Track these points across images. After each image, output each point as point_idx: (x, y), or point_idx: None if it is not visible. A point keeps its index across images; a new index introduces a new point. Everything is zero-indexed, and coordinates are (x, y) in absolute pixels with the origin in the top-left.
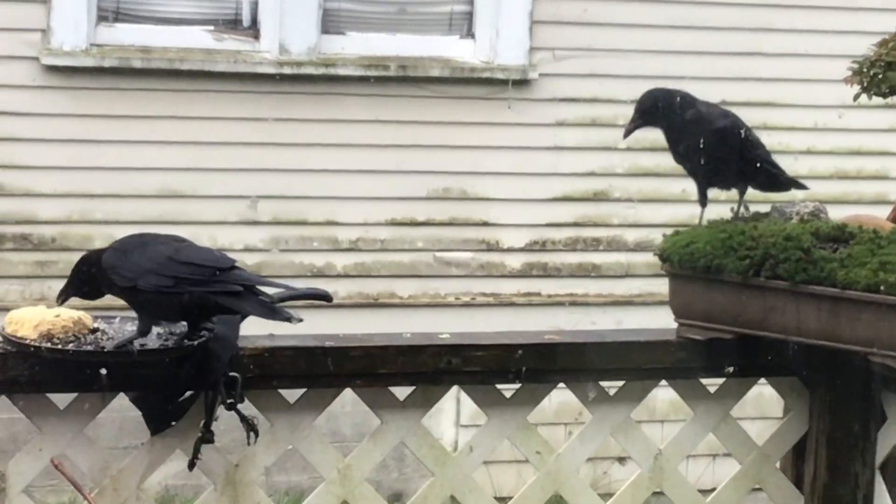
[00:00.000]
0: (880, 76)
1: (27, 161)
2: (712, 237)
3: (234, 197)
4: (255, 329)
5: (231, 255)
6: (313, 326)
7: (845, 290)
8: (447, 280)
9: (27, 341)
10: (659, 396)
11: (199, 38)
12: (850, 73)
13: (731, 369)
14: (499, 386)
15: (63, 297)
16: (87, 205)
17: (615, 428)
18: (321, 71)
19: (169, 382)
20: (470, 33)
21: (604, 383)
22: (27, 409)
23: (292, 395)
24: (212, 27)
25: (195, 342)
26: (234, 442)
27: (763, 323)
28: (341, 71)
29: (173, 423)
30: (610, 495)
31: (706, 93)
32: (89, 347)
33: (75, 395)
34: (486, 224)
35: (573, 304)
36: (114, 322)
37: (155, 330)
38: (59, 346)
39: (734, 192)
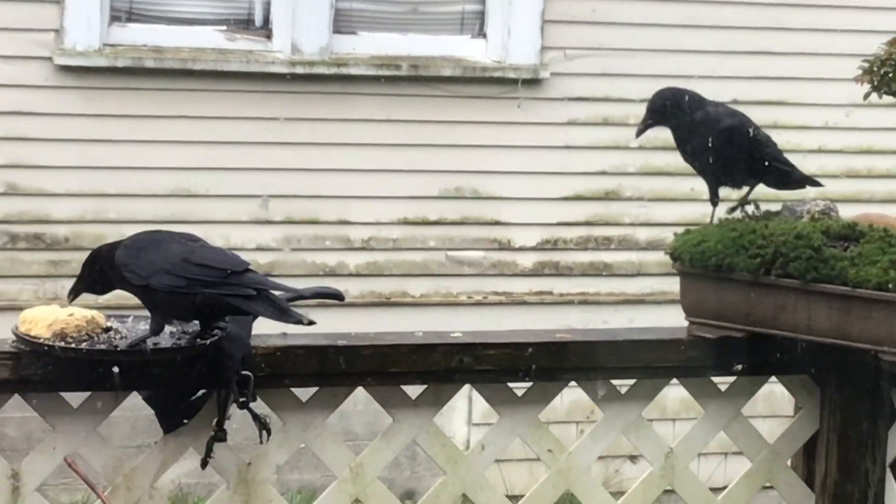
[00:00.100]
0: (890, 75)
1: (40, 161)
2: (723, 236)
3: (247, 196)
4: (267, 328)
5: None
6: (325, 325)
7: (856, 289)
8: (459, 279)
9: (41, 340)
10: (670, 395)
11: (211, 37)
12: (860, 72)
13: (739, 366)
14: (510, 384)
15: (74, 294)
16: (100, 204)
17: (626, 426)
18: (333, 71)
19: (182, 381)
20: (481, 33)
21: (615, 382)
22: (40, 407)
23: (305, 393)
24: (224, 27)
25: (208, 341)
26: (247, 440)
27: (774, 321)
28: (353, 71)
29: (185, 421)
30: (621, 493)
31: (716, 92)
32: (102, 346)
33: (88, 393)
34: (497, 223)
35: (585, 302)
36: (127, 321)
37: (168, 329)
38: (73, 345)
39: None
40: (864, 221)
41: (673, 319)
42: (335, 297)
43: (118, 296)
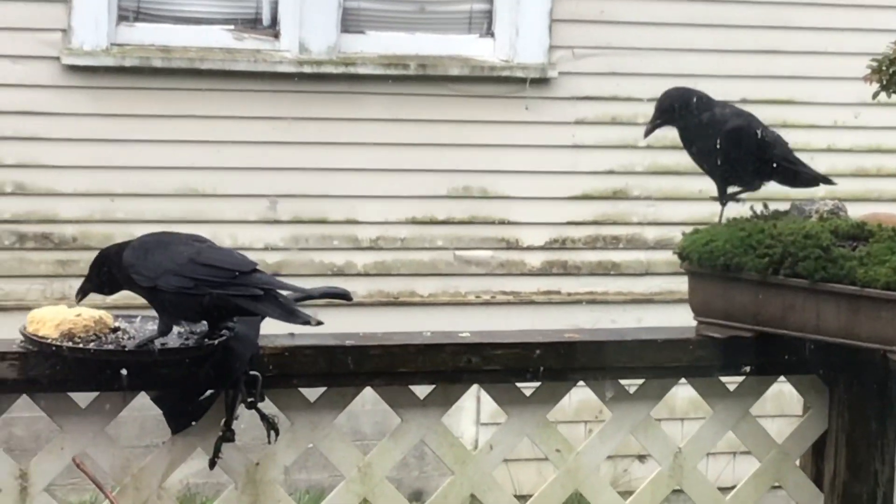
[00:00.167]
0: None
1: (48, 160)
2: (732, 235)
3: (255, 196)
4: (275, 328)
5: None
6: (334, 325)
7: (864, 288)
8: (467, 278)
9: (48, 340)
10: (679, 394)
11: (219, 37)
12: (868, 71)
13: (747, 368)
14: (519, 384)
15: (82, 294)
16: (108, 204)
17: (635, 426)
18: (341, 70)
19: (190, 381)
20: (489, 32)
21: (623, 381)
22: (48, 408)
23: (313, 393)
24: (232, 26)
25: (216, 341)
26: (255, 440)
27: (782, 321)
28: (361, 70)
29: (193, 422)
30: (630, 493)
31: (725, 91)
32: (110, 347)
33: (96, 394)
34: (505, 222)
35: (593, 302)
36: (135, 321)
37: (176, 329)
38: (81, 346)
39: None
40: (873, 221)
41: (681, 319)
42: (343, 297)
43: (126, 296)
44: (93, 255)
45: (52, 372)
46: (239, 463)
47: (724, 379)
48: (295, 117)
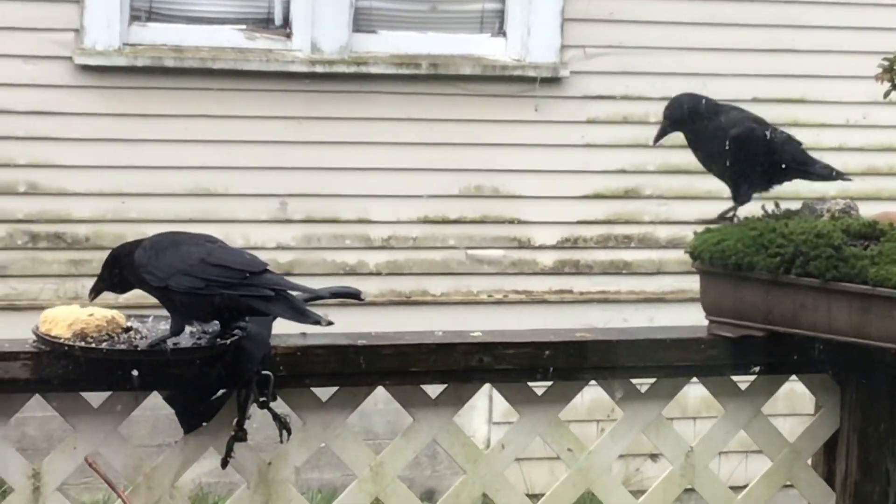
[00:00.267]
0: None
1: (61, 160)
2: (743, 234)
3: (267, 195)
4: (287, 328)
5: (263, 253)
6: (345, 325)
7: (876, 288)
8: (479, 278)
9: (61, 340)
10: (691, 393)
11: (231, 37)
12: (880, 70)
13: (756, 368)
14: (531, 384)
15: (95, 293)
16: (121, 204)
17: (646, 425)
18: (353, 69)
19: (202, 381)
20: (501, 31)
21: (635, 381)
22: (61, 407)
23: (325, 393)
24: (244, 26)
25: (228, 341)
26: (267, 440)
27: (794, 320)
28: (373, 69)
29: (205, 422)
30: (642, 492)
31: (737, 89)
32: (123, 346)
33: (109, 393)
34: (517, 221)
35: (605, 301)
36: (147, 321)
37: (188, 329)
38: (93, 345)
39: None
40: (885, 220)
41: (693, 318)
42: (354, 297)
43: (138, 295)
44: (105, 254)
45: (64, 372)
46: (251, 462)
47: (735, 378)
48: (307, 117)
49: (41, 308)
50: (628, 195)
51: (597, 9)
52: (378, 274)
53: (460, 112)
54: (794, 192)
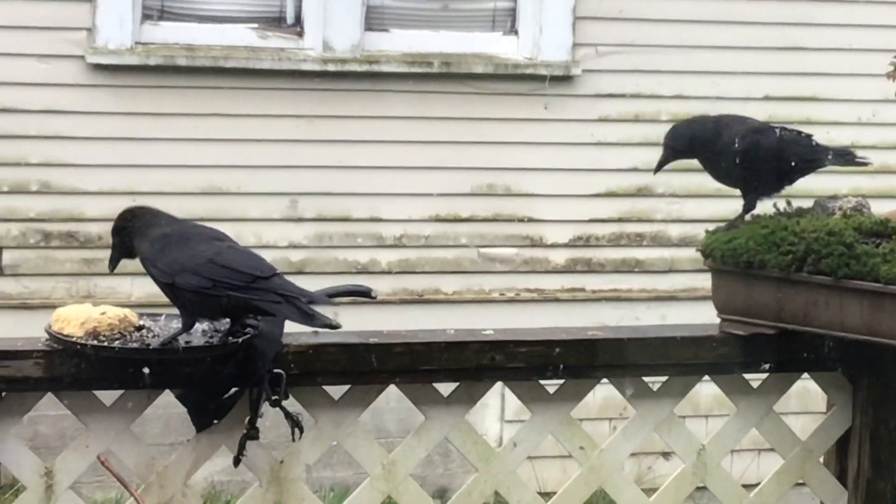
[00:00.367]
0: None
1: (73, 159)
2: (755, 233)
3: (279, 194)
4: (299, 326)
5: (275, 251)
6: (358, 323)
7: (888, 285)
8: (491, 276)
9: (73, 339)
10: (703, 391)
11: (243, 35)
12: (892, 68)
13: (767, 365)
14: (542, 382)
15: (113, 264)
16: (133, 202)
17: (658, 423)
18: (365, 68)
19: (214, 379)
20: (513, 30)
21: (647, 379)
22: (73, 406)
23: (337, 391)
24: (256, 25)
25: (240, 339)
26: (279, 438)
27: (806, 318)
28: (385, 68)
29: (217, 420)
30: (654, 490)
31: (748, 88)
32: (135, 345)
33: (121, 392)
34: (529, 220)
35: (617, 299)
36: (159, 319)
37: (200, 327)
38: (105, 344)
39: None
40: None
41: (705, 316)
42: (365, 295)
43: (150, 294)
44: None
45: (76, 370)
46: (263, 461)
47: (747, 376)
48: (319, 115)
49: (54, 307)
50: (640, 193)
51: (608, 7)
52: (390, 272)
53: (472, 110)
54: (806, 190)
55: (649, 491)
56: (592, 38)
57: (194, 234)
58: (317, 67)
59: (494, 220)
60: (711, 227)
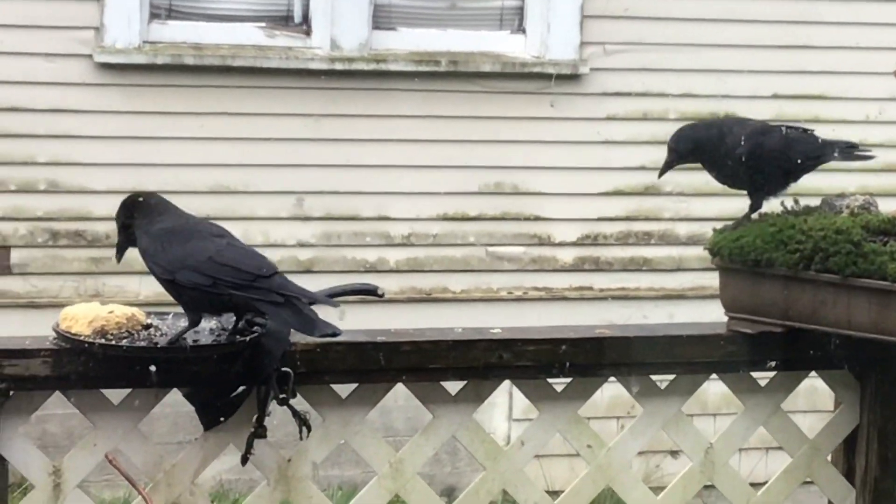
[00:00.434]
0: None
1: (81, 158)
2: (762, 231)
3: (286, 193)
4: None
5: (283, 250)
6: (366, 322)
7: (895, 283)
8: (499, 274)
9: (81, 337)
10: (711, 390)
11: (250, 34)
12: None
13: (773, 363)
14: (550, 380)
15: (120, 254)
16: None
17: (666, 421)
18: (372, 67)
19: (221, 378)
20: (521, 28)
21: (655, 377)
22: (81, 404)
23: (344, 390)
24: (264, 24)
25: (247, 338)
26: (287, 437)
27: (813, 316)
28: (392, 66)
29: (223, 418)
30: (662, 489)
31: (756, 86)
32: (143, 343)
33: (129, 390)
34: (537, 218)
35: (625, 297)
36: (167, 318)
37: (208, 326)
38: (113, 343)
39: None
40: None
41: (713, 314)
42: (372, 293)
43: (158, 293)
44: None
45: (84, 369)
46: (271, 459)
47: (755, 374)
48: (326, 114)
49: (61, 305)
50: (648, 192)
51: (615, 6)
52: (398, 271)
53: (480, 109)
54: (813, 188)
55: (657, 489)
56: (600, 37)
57: (195, 230)
58: (324, 66)
59: (502, 218)
60: (719, 225)
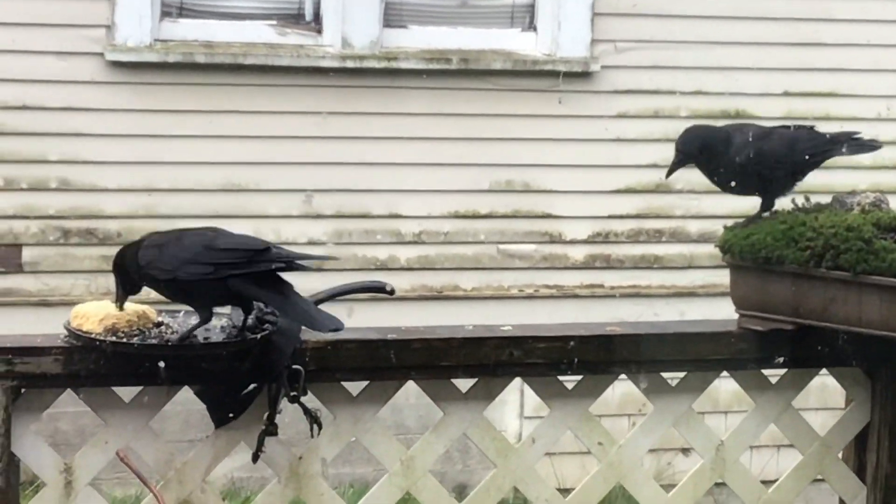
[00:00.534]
0: None
1: (92, 156)
2: (773, 228)
3: (297, 191)
4: None
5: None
6: (377, 319)
7: None
8: (510, 272)
9: (92, 335)
10: (722, 387)
11: (262, 32)
12: None
13: (780, 359)
14: (561, 378)
15: (120, 302)
16: (152, 199)
17: (677, 419)
18: (383, 65)
19: (232, 376)
20: (532, 26)
21: (665, 374)
22: (93, 402)
23: (355, 387)
24: (275, 22)
25: (258, 335)
26: (298, 434)
27: (824, 313)
28: (403, 64)
29: (232, 415)
30: (674, 486)
31: (766, 83)
32: (153, 341)
33: (140, 388)
34: (548, 216)
35: (636, 295)
36: (178, 316)
37: (219, 324)
38: (124, 340)
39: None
40: None
41: (725, 312)
42: (380, 291)
43: None
44: None
45: (95, 366)
46: (282, 457)
47: (766, 372)
48: (337, 112)
49: (73, 303)
50: (659, 189)
51: (626, 3)
52: (409, 269)
53: (491, 107)
54: (824, 185)
55: (669, 487)
56: (611, 35)
57: (185, 233)
58: (335, 64)
59: (513, 216)
60: (730, 223)
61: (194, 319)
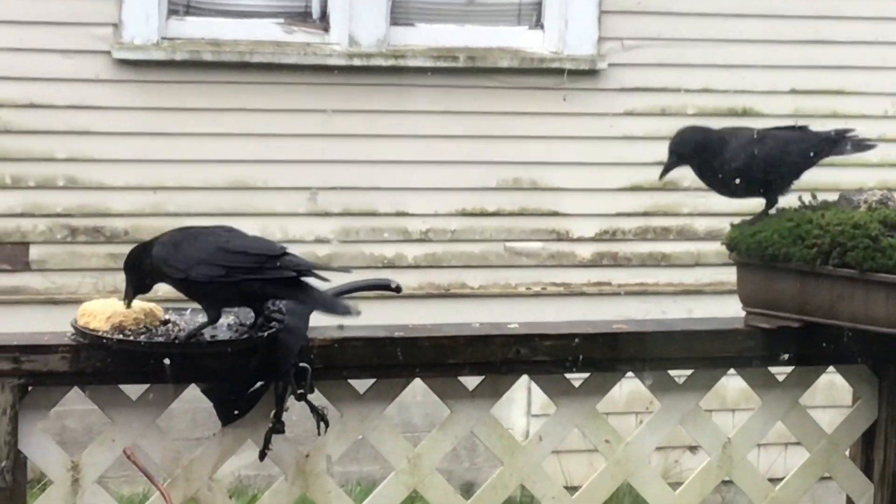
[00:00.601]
0: None
1: (99, 154)
2: (780, 226)
3: (305, 189)
4: (324, 320)
5: (301, 246)
6: (384, 317)
7: None
8: (517, 270)
9: (99, 333)
10: (729, 385)
11: (269, 30)
12: None
13: (787, 357)
14: (568, 375)
15: (128, 299)
16: (159, 197)
17: (684, 416)
18: (390, 62)
19: (239, 373)
20: (539, 24)
21: (672, 372)
22: (100, 400)
23: (362, 385)
24: (282, 20)
25: (265, 334)
26: (305, 432)
27: (831, 311)
28: (410, 62)
29: (238, 413)
30: (681, 484)
31: (774, 81)
32: (161, 339)
33: (147, 386)
34: (556, 214)
35: (643, 293)
36: (185, 314)
37: (226, 322)
38: (131, 338)
39: (802, 180)
40: None
41: (732, 310)
42: (388, 288)
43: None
44: None
45: (103, 364)
46: (289, 454)
47: (773, 369)
48: (344, 110)
49: (80, 301)
50: (666, 187)
51: (633, 1)
52: (416, 267)
53: (498, 105)
54: (831, 183)
55: (676, 485)
56: (618, 32)
57: (200, 232)
58: (342, 62)
59: (521, 214)
60: (737, 220)
61: (201, 317)
